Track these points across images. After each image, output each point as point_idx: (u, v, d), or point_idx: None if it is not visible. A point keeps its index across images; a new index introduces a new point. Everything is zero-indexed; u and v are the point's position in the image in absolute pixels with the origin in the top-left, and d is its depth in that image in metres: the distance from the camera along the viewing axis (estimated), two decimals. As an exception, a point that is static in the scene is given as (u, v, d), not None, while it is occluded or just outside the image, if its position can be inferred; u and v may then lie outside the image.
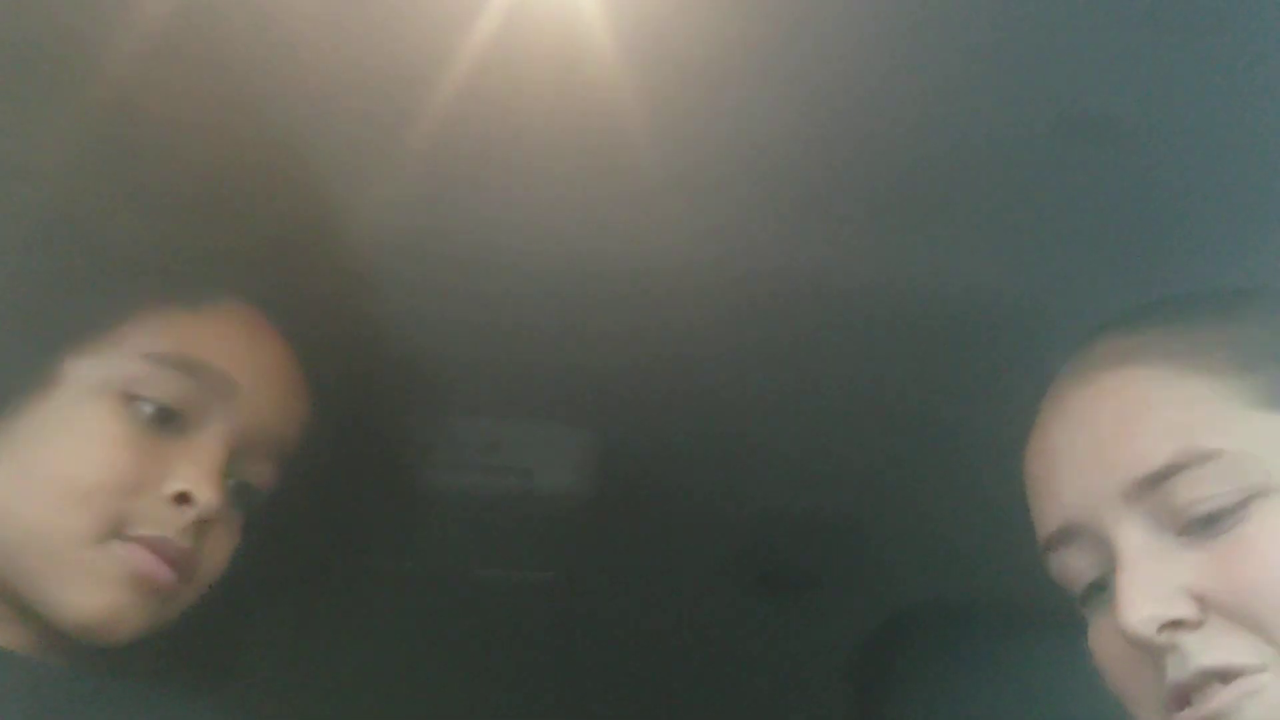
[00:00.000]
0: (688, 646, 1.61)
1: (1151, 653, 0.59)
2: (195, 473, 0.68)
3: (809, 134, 0.81)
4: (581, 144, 0.81)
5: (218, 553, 0.71)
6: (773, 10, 0.71)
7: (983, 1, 0.70)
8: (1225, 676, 0.57)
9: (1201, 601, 0.58)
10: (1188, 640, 0.58)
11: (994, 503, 1.25)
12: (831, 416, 1.16)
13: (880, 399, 1.13)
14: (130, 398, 0.68)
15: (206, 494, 0.68)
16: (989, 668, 1.06)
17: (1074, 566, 0.64)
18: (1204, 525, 0.59)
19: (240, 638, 0.82)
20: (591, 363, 1.08)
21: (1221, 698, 0.57)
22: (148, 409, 0.68)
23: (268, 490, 0.74)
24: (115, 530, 0.66)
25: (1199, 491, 0.59)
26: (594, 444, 1.21)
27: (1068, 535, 0.64)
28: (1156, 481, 0.60)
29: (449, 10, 0.70)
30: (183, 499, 0.68)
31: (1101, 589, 0.63)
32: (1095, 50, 0.73)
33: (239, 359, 0.71)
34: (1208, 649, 0.58)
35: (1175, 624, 0.58)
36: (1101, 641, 0.64)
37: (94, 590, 0.66)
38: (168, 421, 0.68)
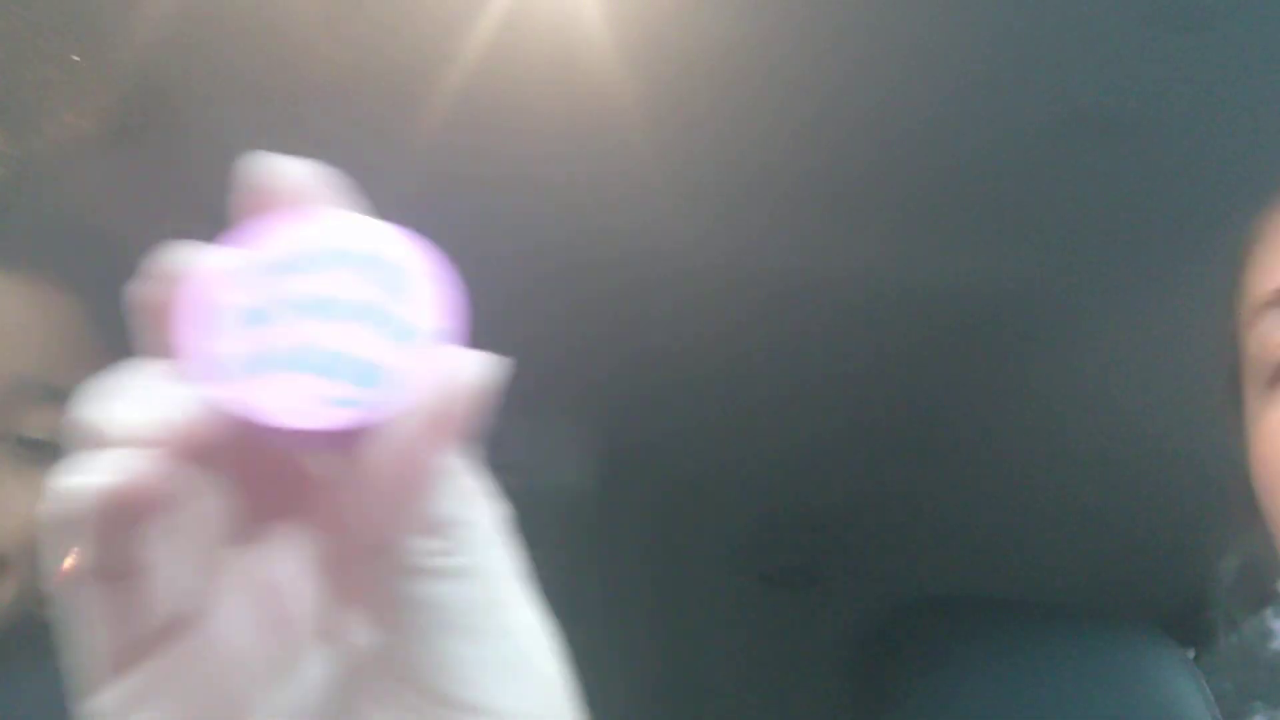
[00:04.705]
0: (688, 644, 1.61)
1: None
2: None
3: (809, 133, 0.80)
4: (581, 142, 0.80)
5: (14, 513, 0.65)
6: (773, 9, 0.70)
7: (985, -1, 0.70)
8: None
9: None
10: None
11: (993, 499, 1.26)
12: (832, 413, 1.16)
13: (881, 396, 1.13)
14: None
15: None
16: (990, 663, 1.06)
17: None
18: None
19: None
20: (591, 360, 1.08)
21: None
22: None
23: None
24: None
25: None
26: (593, 441, 1.21)
27: None
28: None
29: (449, 10, 0.70)
30: None
31: None
32: (1098, 47, 0.73)
33: None
34: None
35: None
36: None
37: None
38: None
